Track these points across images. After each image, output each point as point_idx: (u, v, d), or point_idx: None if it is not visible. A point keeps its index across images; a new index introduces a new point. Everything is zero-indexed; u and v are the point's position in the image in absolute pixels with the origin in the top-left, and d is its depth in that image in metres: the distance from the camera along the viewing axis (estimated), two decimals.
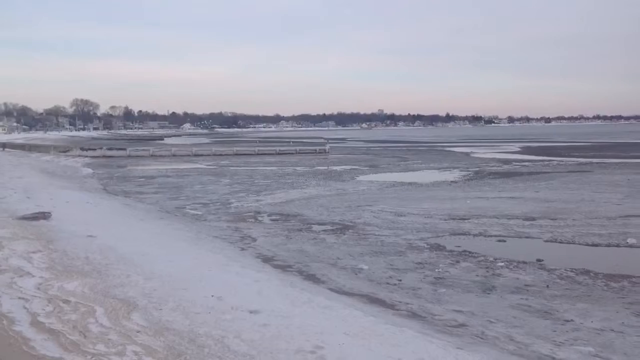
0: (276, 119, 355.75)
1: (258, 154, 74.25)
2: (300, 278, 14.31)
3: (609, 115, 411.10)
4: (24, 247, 14.20)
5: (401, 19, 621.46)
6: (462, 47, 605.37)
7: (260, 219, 23.97)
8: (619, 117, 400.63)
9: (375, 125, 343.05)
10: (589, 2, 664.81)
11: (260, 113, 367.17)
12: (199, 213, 25.67)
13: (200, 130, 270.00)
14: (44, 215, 19.22)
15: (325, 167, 51.93)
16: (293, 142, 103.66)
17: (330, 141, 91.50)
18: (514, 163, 54.05)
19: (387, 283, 14.06)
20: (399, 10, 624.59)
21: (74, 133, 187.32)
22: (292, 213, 25.04)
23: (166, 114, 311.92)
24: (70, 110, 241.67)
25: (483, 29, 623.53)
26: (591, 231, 19.94)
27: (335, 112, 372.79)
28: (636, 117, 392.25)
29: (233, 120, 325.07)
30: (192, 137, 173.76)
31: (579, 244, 18.36)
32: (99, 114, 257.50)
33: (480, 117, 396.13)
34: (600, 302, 12.34)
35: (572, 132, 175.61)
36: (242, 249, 17.89)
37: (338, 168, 51.01)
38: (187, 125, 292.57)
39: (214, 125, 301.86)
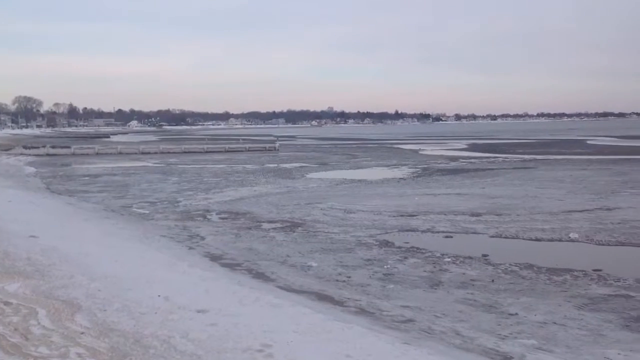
0: (225, 117, 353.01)
1: (207, 152, 73.56)
2: (249, 276, 14.24)
3: (552, 112, 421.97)
4: None
5: (351, 16, 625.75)
6: (410, 44, 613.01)
7: (209, 217, 23.76)
8: (562, 115, 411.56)
9: (325, 123, 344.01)
10: None
11: (210, 110, 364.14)
12: (146, 212, 25.29)
13: (147, 128, 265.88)
14: None
15: (275, 165, 51.82)
16: (243, 139, 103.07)
17: (280, 139, 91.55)
18: (461, 160, 54.90)
19: (336, 280, 14.11)
20: (349, 7, 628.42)
21: (17, 131, 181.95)
22: (241, 211, 24.90)
23: (112, 111, 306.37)
24: (13, 108, 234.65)
25: (430, 25, 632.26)
26: (535, 226, 20.41)
27: (285, 110, 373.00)
28: (578, 115, 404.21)
29: (181, 118, 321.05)
30: (139, 135, 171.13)
31: (523, 238, 18.77)
32: (42, 112, 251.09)
33: (429, 114, 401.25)
34: (543, 296, 12.63)
35: (517, 129, 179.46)
36: (190, 248, 17.70)
37: (288, 165, 50.96)
38: (134, 123, 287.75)
39: (162, 123, 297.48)
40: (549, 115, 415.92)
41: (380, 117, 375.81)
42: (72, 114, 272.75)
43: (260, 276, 14.31)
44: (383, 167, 48.33)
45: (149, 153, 72.27)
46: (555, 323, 10.86)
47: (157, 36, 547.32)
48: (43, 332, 8.41)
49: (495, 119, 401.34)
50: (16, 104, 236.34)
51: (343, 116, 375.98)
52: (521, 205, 24.97)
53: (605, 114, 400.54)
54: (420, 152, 69.42)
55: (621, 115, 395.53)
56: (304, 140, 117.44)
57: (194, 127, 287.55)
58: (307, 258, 16.35)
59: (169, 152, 73.39)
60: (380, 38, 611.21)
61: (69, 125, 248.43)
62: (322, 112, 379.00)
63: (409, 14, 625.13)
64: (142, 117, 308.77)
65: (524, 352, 9.39)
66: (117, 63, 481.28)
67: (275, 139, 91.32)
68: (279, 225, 21.64)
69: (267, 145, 79.51)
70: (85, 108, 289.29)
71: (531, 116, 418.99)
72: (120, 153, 72.55)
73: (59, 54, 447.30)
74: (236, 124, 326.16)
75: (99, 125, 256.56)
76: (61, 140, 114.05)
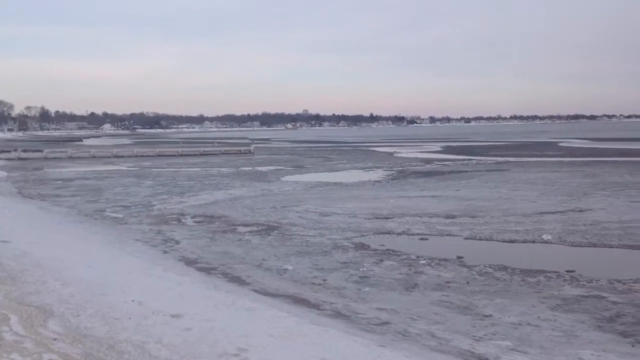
0: (200, 120, 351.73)
1: (181, 155, 73.08)
2: (225, 280, 14.17)
3: (525, 115, 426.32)
4: None
5: (326, 19, 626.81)
6: (385, 47, 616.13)
7: (183, 221, 23.60)
8: (535, 117, 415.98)
9: (301, 126, 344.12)
10: (501, 1, 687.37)
11: (184, 113, 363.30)
12: (120, 216, 25.04)
13: (121, 131, 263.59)
14: None
15: (251, 168, 51.64)
16: (217, 142, 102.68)
17: (255, 141, 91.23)
18: (436, 162, 55.24)
19: (312, 283, 14.10)
20: (324, 10, 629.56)
21: None
22: (216, 215, 24.78)
23: (85, 114, 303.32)
24: None
25: (405, 28, 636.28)
26: (508, 228, 20.60)
27: (260, 112, 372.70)
28: (550, 117, 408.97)
29: (155, 121, 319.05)
30: (112, 138, 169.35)
31: (497, 240, 18.94)
32: (13, 115, 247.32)
33: (403, 117, 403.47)
34: (517, 297, 12.74)
35: (490, 132, 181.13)
36: (165, 252, 17.56)
37: (263, 168, 50.83)
38: (107, 126, 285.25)
39: (136, 126, 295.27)
40: (521, 118, 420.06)
41: (356, 120, 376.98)
42: (44, 117, 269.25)
43: (236, 280, 14.25)
44: (358, 170, 48.43)
45: (122, 156, 71.60)
46: (529, 324, 10.96)
47: (131, 39, 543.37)
48: (15, 339, 8.29)
49: (469, 122, 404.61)
50: None
51: (318, 119, 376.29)
52: (495, 207, 25.19)
53: (576, 117, 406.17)
54: (395, 155, 69.69)
55: (592, 117, 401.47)
56: (279, 143, 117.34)
57: (168, 131, 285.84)
58: (283, 261, 16.32)
59: (143, 156, 72.73)
60: (355, 41, 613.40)
61: (41, 129, 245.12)
62: (298, 114, 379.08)
63: (384, 17, 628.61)
64: (115, 120, 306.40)
65: (499, 353, 9.46)
66: (90, 66, 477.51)
67: (251, 141, 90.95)
68: (254, 228, 21.57)
69: (243, 148, 79.24)
70: (58, 111, 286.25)
71: (504, 119, 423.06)
72: (94, 157, 71.72)
73: (29, 57, 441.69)
74: (211, 127, 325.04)
75: (71, 129, 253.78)
76: (33, 144, 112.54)
